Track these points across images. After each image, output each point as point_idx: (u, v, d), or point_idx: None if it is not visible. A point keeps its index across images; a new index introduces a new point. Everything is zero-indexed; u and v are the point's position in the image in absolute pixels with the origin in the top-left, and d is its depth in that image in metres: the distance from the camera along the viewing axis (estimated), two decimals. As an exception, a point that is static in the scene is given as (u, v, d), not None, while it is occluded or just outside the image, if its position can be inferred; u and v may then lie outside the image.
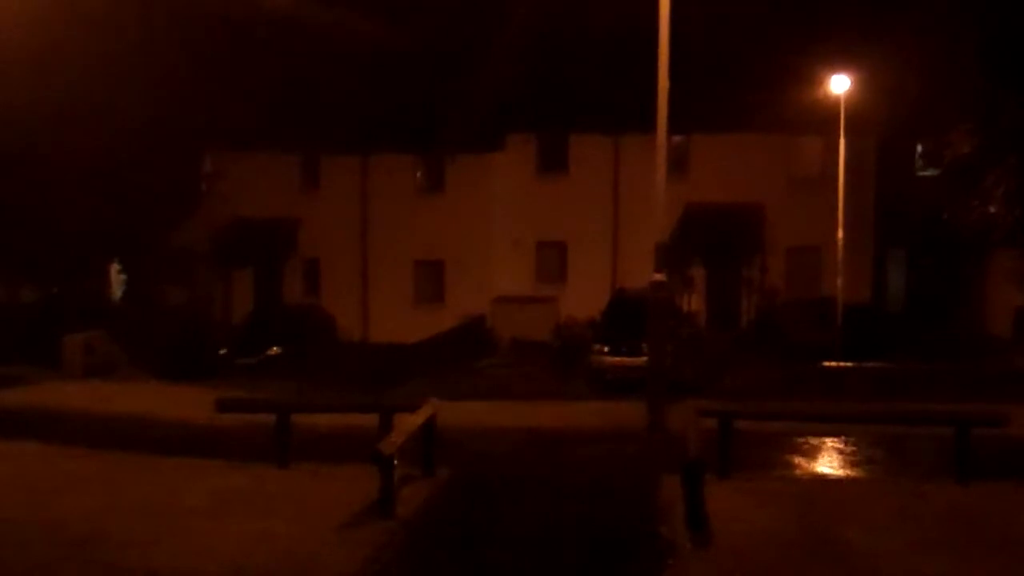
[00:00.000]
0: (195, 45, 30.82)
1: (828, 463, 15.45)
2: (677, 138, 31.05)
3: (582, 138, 38.04)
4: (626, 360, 24.22)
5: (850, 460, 15.59)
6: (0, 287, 36.78)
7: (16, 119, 27.49)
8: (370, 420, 14.62)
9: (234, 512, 11.73)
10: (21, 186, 28.93)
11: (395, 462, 11.60)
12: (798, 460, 15.46)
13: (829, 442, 16.57)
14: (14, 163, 28.52)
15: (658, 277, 17.83)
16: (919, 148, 36.91)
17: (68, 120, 28.28)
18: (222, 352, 31.51)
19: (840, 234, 32.86)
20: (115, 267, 38.00)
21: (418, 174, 39.80)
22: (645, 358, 18.97)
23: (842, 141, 32.76)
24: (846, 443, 16.47)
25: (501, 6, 34.13)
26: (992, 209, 25.73)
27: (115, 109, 28.95)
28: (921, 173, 36.59)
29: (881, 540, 10.51)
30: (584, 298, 34.43)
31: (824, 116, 33.05)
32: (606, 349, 25.63)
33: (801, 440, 16.51)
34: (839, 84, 32.61)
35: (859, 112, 32.63)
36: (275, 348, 31.81)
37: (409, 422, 12.87)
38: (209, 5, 30.71)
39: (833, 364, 28.73)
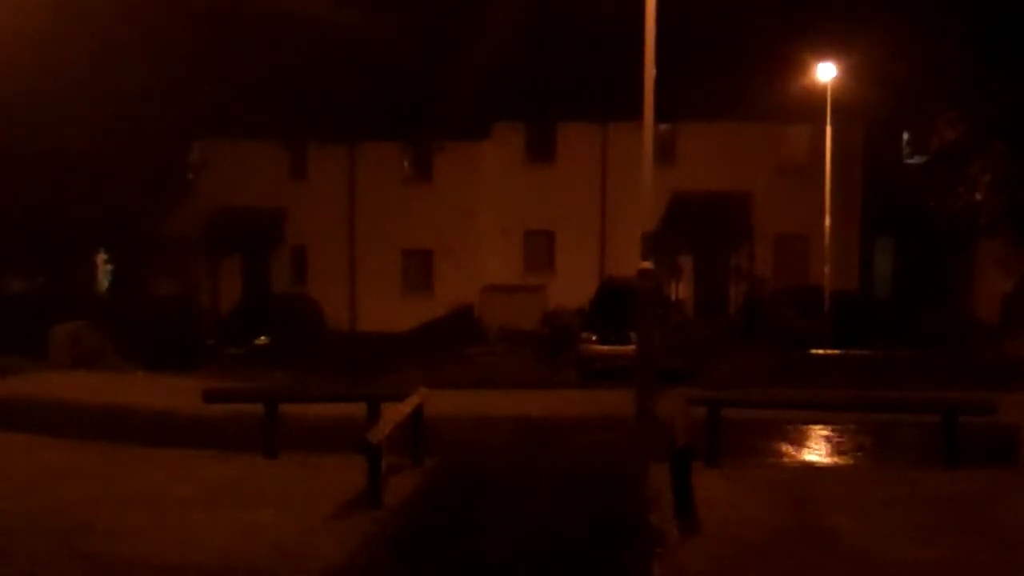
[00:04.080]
0: (182, 34, 30.73)
1: (816, 450, 15.48)
2: (664, 126, 31.03)
3: (569, 126, 38.05)
4: (614, 348, 24.24)
5: (838, 447, 15.63)
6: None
7: (1, 110, 27.38)
8: (358, 409, 14.60)
9: (222, 502, 11.70)
10: (6, 176, 28.82)
11: (383, 451, 11.58)
12: (786, 447, 15.50)
13: (817, 429, 16.60)
14: (-1, 154, 28.44)
15: (645, 266, 17.83)
16: (906, 136, 36.97)
17: (54, 111, 28.18)
18: (210, 342, 31.53)
19: (827, 222, 32.94)
20: (102, 257, 37.89)
21: (405, 163, 39.80)
22: (633, 346, 18.98)
23: (829, 129, 32.85)
24: (834, 430, 16.50)
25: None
26: (979, 196, 25.75)
27: (102, 99, 28.86)
28: (908, 161, 36.66)
29: (869, 526, 10.53)
30: (572, 287, 34.48)
31: (811, 104, 33.14)
32: (594, 338, 25.67)
33: (789, 428, 16.53)
34: (826, 72, 32.67)
35: (846, 100, 32.71)
36: (263, 337, 31.79)
37: (397, 411, 12.85)
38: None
39: (821, 352, 28.83)
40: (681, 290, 36.23)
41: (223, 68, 32.91)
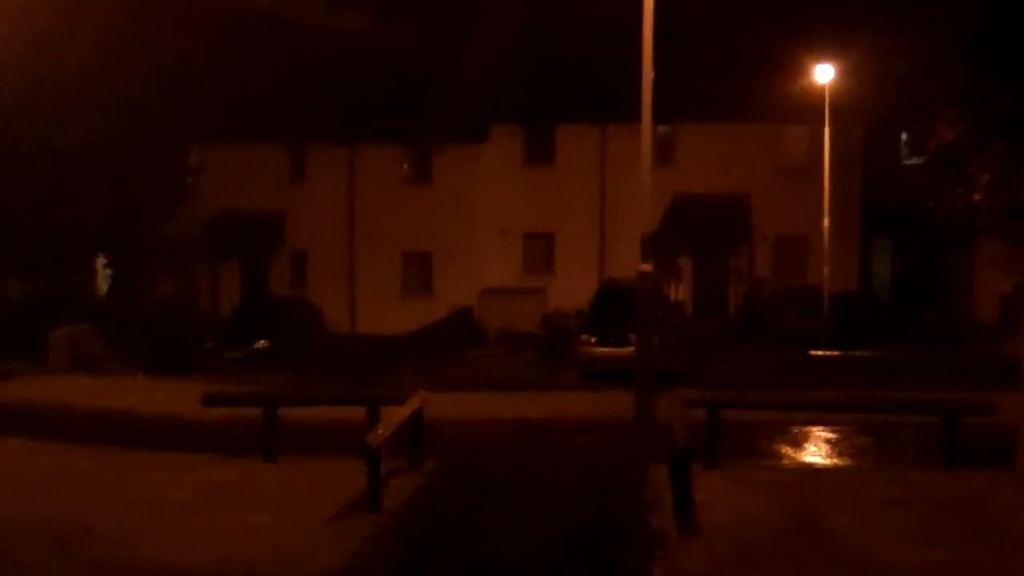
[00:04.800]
0: (181, 38, 30.74)
1: (816, 451, 15.48)
2: (663, 128, 31.07)
3: (568, 128, 38.05)
4: (614, 350, 24.22)
5: (838, 448, 15.62)
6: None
7: (1, 114, 27.37)
8: (358, 412, 14.59)
9: (221, 506, 11.70)
10: (5, 179, 28.80)
11: (382, 455, 11.58)
12: (786, 449, 15.50)
13: (817, 430, 16.59)
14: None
15: (645, 268, 17.83)
16: (904, 136, 36.97)
17: (53, 113, 28.17)
18: (209, 345, 31.46)
19: (826, 223, 32.93)
20: (101, 261, 37.87)
21: (405, 165, 39.81)
22: (633, 348, 18.99)
23: (827, 130, 32.84)
24: (834, 431, 16.49)
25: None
26: (977, 197, 25.70)
27: (101, 103, 28.85)
28: (906, 161, 36.65)
29: (869, 528, 10.53)
30: (572, 289, 34.45)
31: (809, 105, 33.13)
32: (594, 339, 25.64)
33: (789, 429, 16.52)
34: (824, 73, 32.67)
35: (844, 101, 32.71)
36: (262, 341, 31.74)
37: (396, 414, 12.85)
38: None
39: (820, 352, 28.82)
40: (681, 291, 36.22)
41: (223, 71, 32.91)
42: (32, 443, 15.73)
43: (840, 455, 15.22)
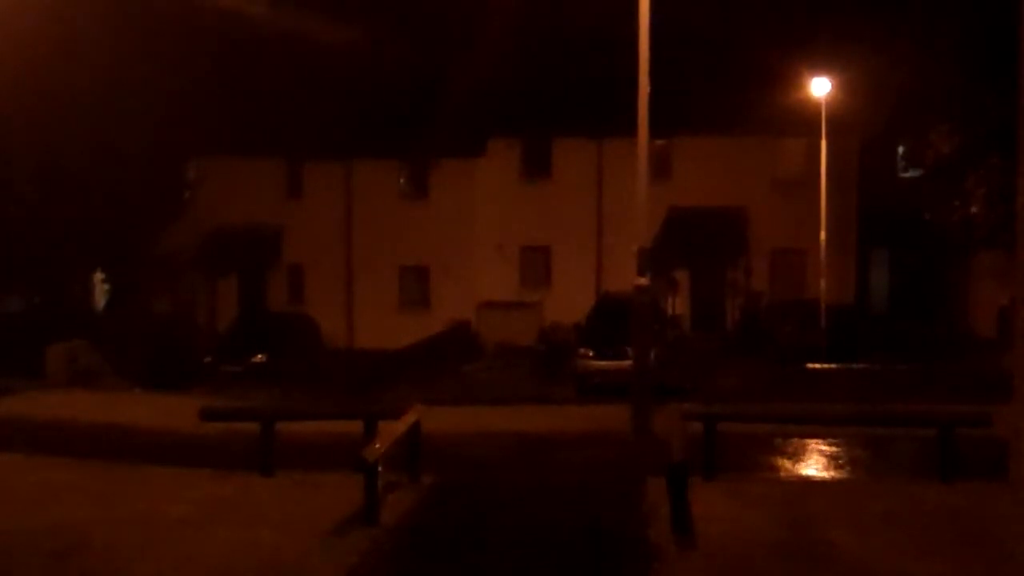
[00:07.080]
0: (178, 54, 30.79)
1: (813, 465, 15.47)
2: (660, 141, 31.12)
3: (565, 142, 38.11)
4: (611, 364, 24.19)
5: (835, 461, 15.62)
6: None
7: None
8: (355, 427, 14.58)
9: (219, 521, 11.68)
10: (3, 194, 28.84)
11: (379, 469, 11.57)
12: (783, 462, 15.49)
13: (814, 444, 16.58)
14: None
15: (641, 281, 17.84)
16: (901, 149, 37.07)
17: (51, 129, 28.21)
18: (207, 360, 31.44)
19: (823, 235, 32.97)
20: (99, 275, 37.89)
21: (402, 180, 39.89)
22: (630, 362, 18.97)
23: (824, 143, 32.91)
24: (831, 444, 16.49)
25: (483, 11, 34.19)
26: (974, 209, 25.85)
27: (99, 117, 28.90)
28: (903, 174, 36.73)
29: (867, 541, 10.53)
30: (569, 302, 34.46)
31: (806, 118, 33.22)
32: (591, 353, 25.63)
33: (786, 442, 16.52)
34: (820, 87, 32.76)
35: (841, 114, 32.82)
36: (260, 355, 31.73)
37: (393, 428, 12.84)
38: (192, 15, 30.71)
39: (818, 365, 28.81)
40: (678, 305, 36.23)
41: (220, 86, 32.98)
42: (30, 458, 15.70)
43: (837, 468, 15.22)
